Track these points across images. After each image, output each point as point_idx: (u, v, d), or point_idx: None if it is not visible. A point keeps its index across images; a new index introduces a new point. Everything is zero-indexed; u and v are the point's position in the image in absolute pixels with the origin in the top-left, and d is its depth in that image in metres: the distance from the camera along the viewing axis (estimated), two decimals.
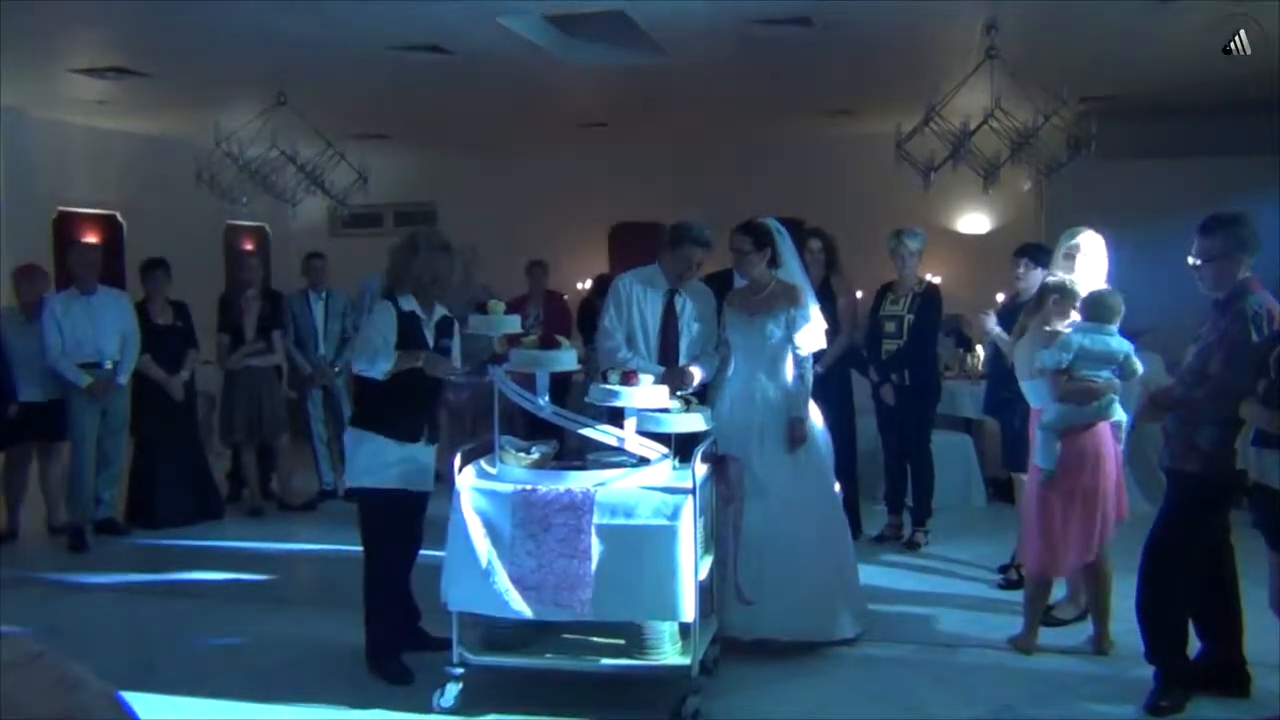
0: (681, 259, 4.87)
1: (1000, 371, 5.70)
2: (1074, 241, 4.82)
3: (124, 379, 6.81)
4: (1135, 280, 5.31)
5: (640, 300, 4.94)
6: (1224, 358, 3.79)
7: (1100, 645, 4.61)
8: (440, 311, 4.55)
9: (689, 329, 4.94)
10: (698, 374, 4.79)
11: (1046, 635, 4.71)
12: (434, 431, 4.64)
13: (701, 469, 3.96)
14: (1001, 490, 7.35)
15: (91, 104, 10.23)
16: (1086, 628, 4.76)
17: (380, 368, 4.30)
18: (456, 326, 4.66)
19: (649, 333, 4.93)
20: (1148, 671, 4.08)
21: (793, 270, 4.87)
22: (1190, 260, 3.95)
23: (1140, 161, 10.15)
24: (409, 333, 4.38)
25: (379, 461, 4.37)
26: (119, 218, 12.17)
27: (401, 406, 4.40)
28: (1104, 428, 4.52)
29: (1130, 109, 9.96)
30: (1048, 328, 4.67)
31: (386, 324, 4.35)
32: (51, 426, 6.80)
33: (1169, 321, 4.67)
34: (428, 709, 3.99)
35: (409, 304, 4.41)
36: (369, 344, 4.37)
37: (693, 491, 3.82)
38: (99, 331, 6.71)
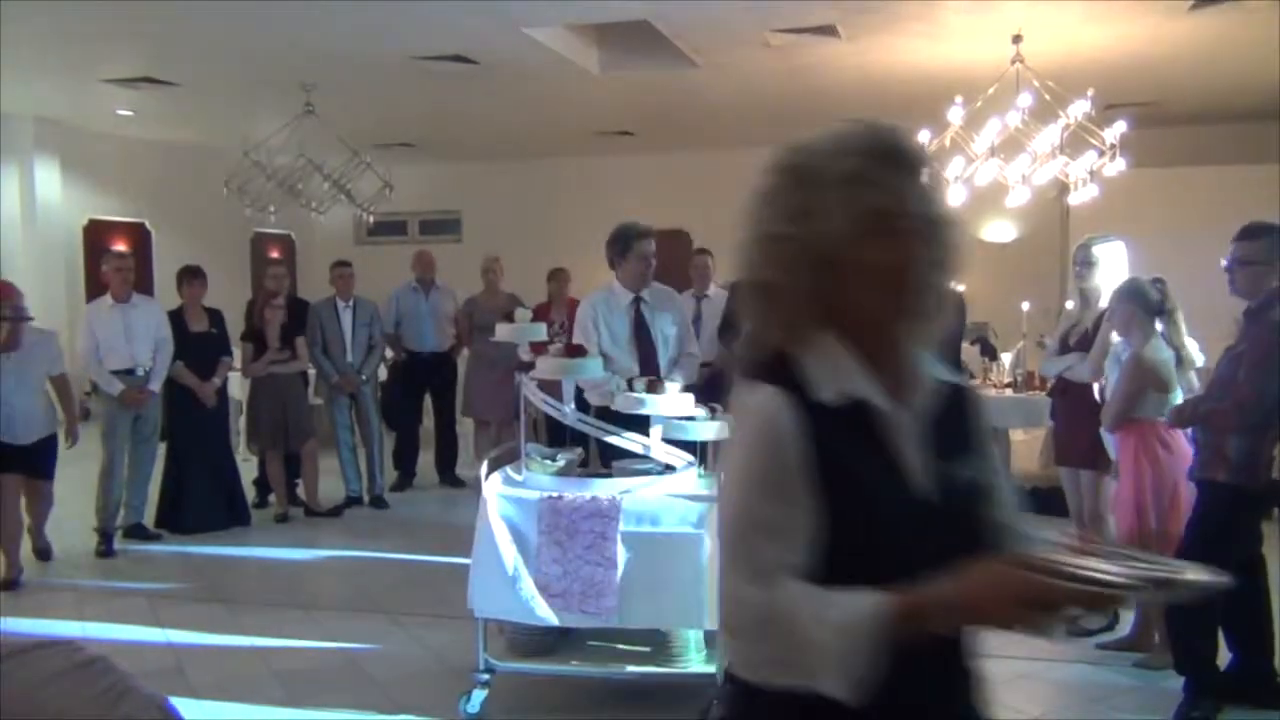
0: (640, 259, 4.75)
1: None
2: (1092, 250, 4.79)
3: (156, 386, 6.87)
4: None
5: (606, 318, 4.83)
6: (1252, 366, 3.77)
7: (1143, 643, 4.58)
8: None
9: (664, 336, 4.87)
10: None
11: (1075, 646, 4.68)
12: None
13: None
14: (1027, 498, 7.27)
15: (121, 114, 10.36)
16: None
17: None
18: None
19: (622, 348, 4.81)
20: (1177, 682, 4.05)
21: None
22: (1224, 264, 3.91)
23: (1167, 169, 10.09)
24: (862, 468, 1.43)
25: None
26: (147, 226, 12.32)
27: None
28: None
29: (1157, 116, 9.91)
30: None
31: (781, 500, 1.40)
32: (35, 466, 6.14)
33: (1195, 330, 4.63)
34: (454, 715, 4.01)
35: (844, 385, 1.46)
36: (746, 610, 1.39)
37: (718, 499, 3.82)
38: (133, 339, 6.76)
